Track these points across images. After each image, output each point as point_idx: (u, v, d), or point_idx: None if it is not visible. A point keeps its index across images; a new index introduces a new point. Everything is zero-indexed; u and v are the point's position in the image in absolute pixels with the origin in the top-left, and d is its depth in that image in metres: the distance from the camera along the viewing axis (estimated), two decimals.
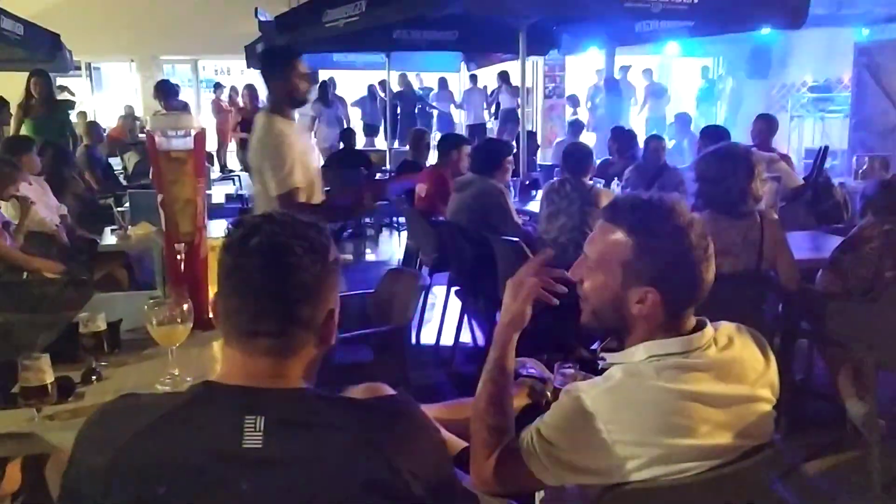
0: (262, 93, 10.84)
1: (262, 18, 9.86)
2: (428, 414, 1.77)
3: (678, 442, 1.34)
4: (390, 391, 1.66)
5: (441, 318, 4.88)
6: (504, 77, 10.93)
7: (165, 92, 7.19)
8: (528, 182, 6.11)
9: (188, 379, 2.04)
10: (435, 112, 11.83)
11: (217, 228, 5.18)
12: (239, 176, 9.76)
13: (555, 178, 4.52)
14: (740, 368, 1.43)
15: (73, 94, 8.23)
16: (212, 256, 2.65)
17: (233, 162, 13.74)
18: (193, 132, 2.42)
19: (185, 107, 7.45)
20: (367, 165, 8.27)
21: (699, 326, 1.47)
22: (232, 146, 13.76)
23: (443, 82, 11.95)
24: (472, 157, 4.80)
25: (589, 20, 6.08)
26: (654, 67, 13.69)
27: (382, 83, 11.84)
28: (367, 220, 8.69)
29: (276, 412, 1.10)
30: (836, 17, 9.37)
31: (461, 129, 12.05)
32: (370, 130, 11.30)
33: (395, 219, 8.47)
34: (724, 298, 2.83)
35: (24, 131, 7.32)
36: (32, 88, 6.82)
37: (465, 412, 1.67)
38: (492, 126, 11.93)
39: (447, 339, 4.74)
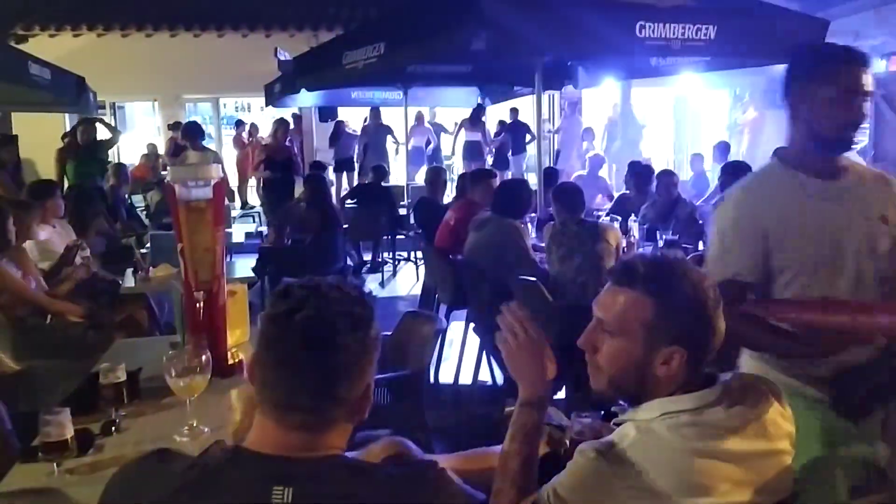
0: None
1: (282, 58, 10.07)
2: (449, 467, 1.77)
3: (696, 501, 1.33)
4: (412, 447, 1.66)
5: (459, 357, 4.87)
6: (475, 113, 11.03)
7: (193, 134, 7.31)
8: (545, 217, 6.10)
9: (206, 430, 2.05)
10: (400, 147, 11.86)
11: (238, 268, 5.28)
12: (259, 213, 9.89)
13: (553, 221, 4.50)
14: (758, 423, 1.41)
15: (115, 129, 8.42)
16: (230, 303, 2.68)
17: (253, 198, 13.92)
18: (213, 182, 2.46)
19: (205, 149, 7.55)
20: (391, 203, 8.35)
21: (710, 380, 1.46)
22: (252, 182, 13.95)
23: (419, 116, 12.11)
24: (494, 196, 4.82)
25: (607, 55, 6.12)
26: (670, 98, 13.77)
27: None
28: (387, 253, 8.75)
29: (304, 483, 1.09)
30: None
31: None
32: (342, 166, 11.50)
33: (413, 253, 8.50)
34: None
35: (68, 172, 7.52)
36: (80, 136, 7.03)
37: (485, 462, 1.66)
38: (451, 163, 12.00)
39: (466, 378, 4.72)
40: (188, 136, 7.23)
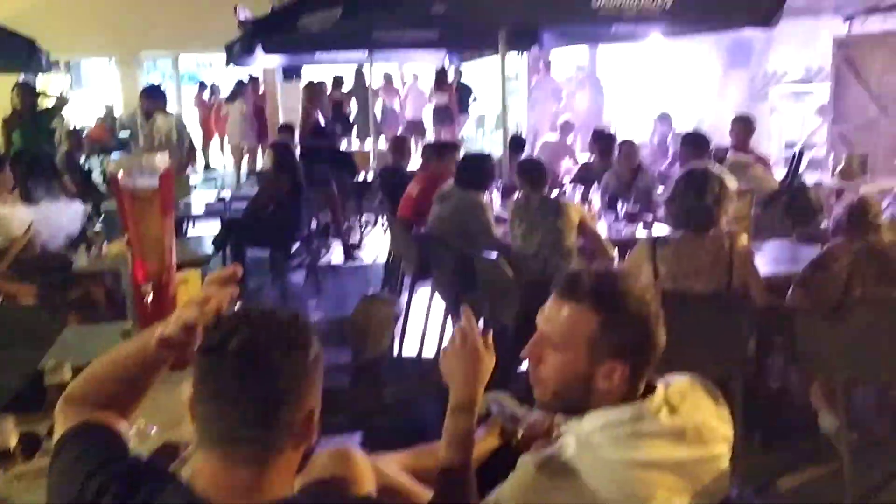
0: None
1: (242, 17, 9.79)
2: (400, 465, 1.77)
3: None
4: (357, 452, 1.64)
5: (423, 329, 4.88)
6: (438, 76, 10.94)
7: (156, 98, 7.04)
8: (510, 185, 6.08)
9: (153, 428, 2.02)
10: (378, 106, 11.76)
11: (201, 241, 5.19)
12: (223, 177, 9.74)
13: (517, 195, 4.50)
14: (695, 430, 1.43)
15: (62, 98, 8.13)
16: (182, 291, 2.63)
17: (216, 160, 13.69)
18: (159, 171, 2.39)
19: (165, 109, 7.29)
20: (351, 170, 8.25)
21: (649, 389, 1.47)
22: (216, 142, 13.71)
23: (388, 77, 12.01)
24: (457, 168, 4.78)
25: (561, 24, 6.05)
26: (637, 56, 13.67)
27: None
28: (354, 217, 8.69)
29: None
30: (814, 10, 9.38)
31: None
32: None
33: (379, 217, 8.45)
34: (697, 319, 2.90)
35: (14, 143, 7.27)
36: (15, 101, 6.75)
37: (433, 458, 1.67)
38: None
39: (430, 350, 4.74)
40: (151, 100, 7.00)
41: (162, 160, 2.45)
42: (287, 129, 9.20)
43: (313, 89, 9.14)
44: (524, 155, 7.42)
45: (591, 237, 4.18)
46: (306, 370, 1.16)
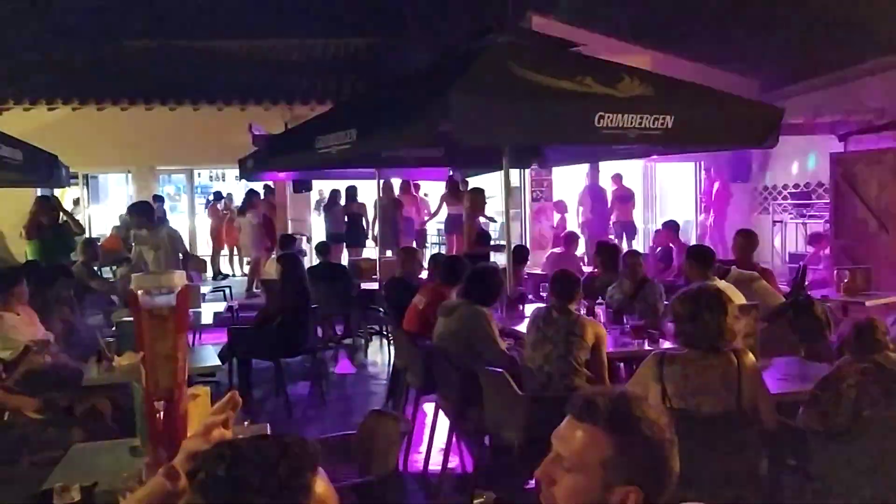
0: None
1: (257, 132, 10.20)
2: None
3: None
4: None
5: (429, 443, 4.82)
6: (452, 187, 11.27)
7: (140, 214, 7.26)
8: (515, 297, 6.15)
9: None
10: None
11: (206, 353, 5.22)
12: (229, 287, 9.84)
13: (542, 305, 4.56)
14: None
15: (80, 228, 8.39)
16: (192, 407, 2.65)
17: (226, 267, 13.88)
18: (177, 289, 2.46)
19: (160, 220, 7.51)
20: (342, 278, 8.39)
21: None
22: (225, 251, 13.96)
23: (406, 186, 12.41)
24: (464, 282, 4.85)
25: (565, 144, 6.30)
26: (636, 170, 14.06)
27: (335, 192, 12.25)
28: (359, 329, 8.73)
29: None
30: (809, 128, 9.73)
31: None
32: (334, 239, 11.56)
33: (385, 327, 8.49)
34: (707, 440, 2.88)
35: (30, 251, 7.44)
36: (39, 216, 6.97)
37: None
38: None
39: (435, 464, 4.66)
40: (136, 216, 7.22)
41: (180, 278, 2.53)
42: (290, 240, 9.41)
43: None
44: (525, 267, 7.57)
45: (596, 363, 4.18)
46: (290, 498, 1.14)
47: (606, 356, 4.26)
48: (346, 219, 11.83)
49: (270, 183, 12.53)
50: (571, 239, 8.75)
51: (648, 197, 14.14)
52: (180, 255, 7.32)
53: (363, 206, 11.96)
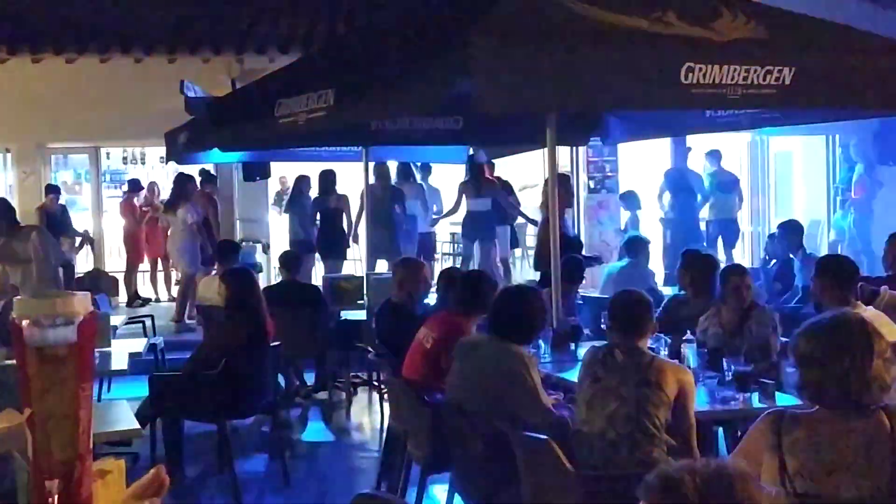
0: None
1: (191, 94, 10.28)
2: None
3: None
4: None
5: None
6: (475, 170, 11.30)
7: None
8: (565, 331, 6.16)
9: None
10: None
11: (120, 411, 5.25)
12: (151, 317, 9.89)
13: (599, 344, 4.57)
14: None
15: None
16: (99, 487, 2.66)
17: (146, 287, 13.96)
18: (79, 319, 2.48)
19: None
20: (314, 303, 8.43)
21: None
22: (145, 266, 14.01)
23: (406, 171, 12.34)
24: (490, 309, 4.87)
25: (637, 111, 6.31)
26: (741, 148, 14.06)
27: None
28: (338, 377, 8.76)
29: None
30: None
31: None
32: (303, 247, 11.56)
33: (375, 374, 8.50)
34: None
35: None
36: None
37: None
38: None
39: None
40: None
41: (83, 303, 2.55)
42: (230, 247, 9.47)
43: None
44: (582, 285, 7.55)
45: (681, 425, 4.18)
46: None
47: (696, 416, 4.24)
48: (317, 218, 11.89)
49: (211, 167, 12.60)
50: (639, 247, 8.76)
51: (758, 186, 14.14)
52: (60, 269, 7.39)
53: (344, 199, 11.95)
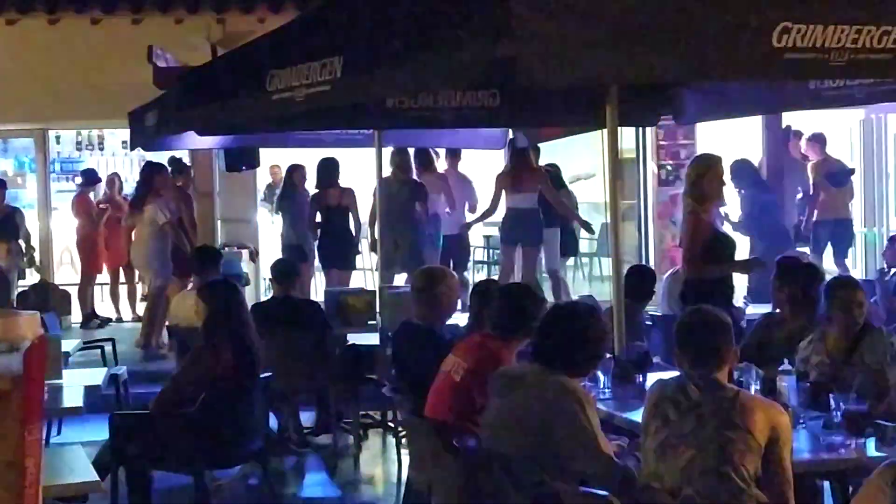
0: None
1: (162, 63, 10.36)
2: None
3: None
4: None
5: None
6: (514, 155, 11.26)
7: None
8: (630, 360, 6.15)
9: None
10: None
11: (73, 458, 5.28)
12: (112, 340, 9.94)
13: (668, 377, 4.57)
14: None
15: None
16: None
17: (105, 304, 14.02)
18: (25, 344, 2.51)
19: None
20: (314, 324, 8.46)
21: None
22: (104, 277, 14.07)
23: (426, 159, 12.19)
24: (535, 331, 4.88)
25: (717, 84, 6.31)
26: (853, 129, 13.98)
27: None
28: (345, 417, 8.75)
29: None
30: None
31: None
32: (297, 254, 11.54)
33: (391, 413, 8.52)
34: None
35: None
36: None
37: None
38: None
39: None
40: None
41: (30, 324, 2.58)
42: (211, 254, 9.49)
43: None
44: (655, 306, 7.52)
45: (775, 477, 4.17)
46: None
47: (794, 467, 4.23)
48: (317, 218, 11.88)
49: (185, 155, 12.66)
50: (716, 250, 8.72)
51: (873, 177, 14.04)
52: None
53: (349, 194, 11.92)
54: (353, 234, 12.02)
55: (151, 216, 11.60)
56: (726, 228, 10.86)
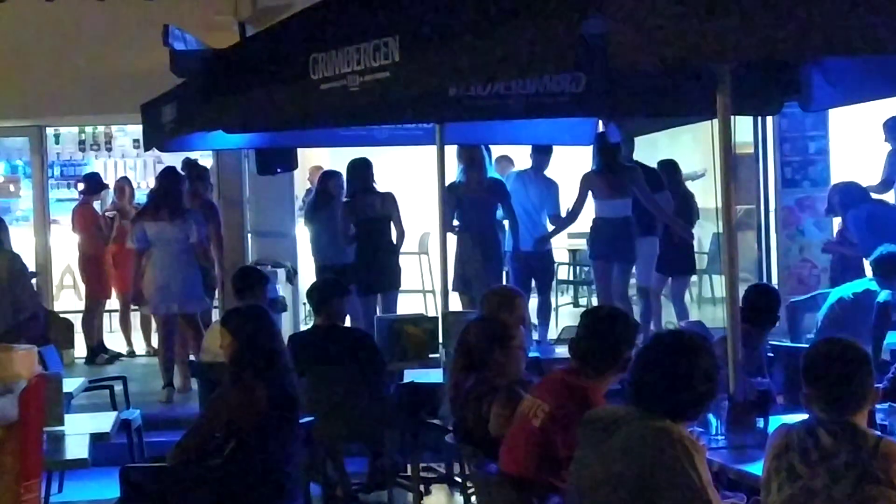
0: None
1: (179, 46, 10.47)
2: None
3: None
4: None
5: None
6: (604, 152, 11.21)
7: None
8: (747, 399, 6.13)
9: None
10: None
11: None
12: (123, 379, 10.05)
13: (796, 423, 4.56)
14: None
15: None
16: None
17: (115, 336, 14.14)
18: (21, 385, 2.56)
19: None
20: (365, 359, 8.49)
21: None
22: (113, 302, 14.21)
23: (473, 155, 12.19)
24: (631, 367, 4.87)
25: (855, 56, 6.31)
26: None
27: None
28: (402, 470, 8.78)
29: None
30: None
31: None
32: (335, 272, 11.55)
33: (458, 465, 8.55)
34: None
35: None
36: None
37: None
38: None
39: None
40: None
41: (26, 361, 2.63)
42: (254, 275, 9.59)
43: None
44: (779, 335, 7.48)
45: None
46: None
47: None
48: (352, 231, 11.92)
49: (205, 158, 12.74)
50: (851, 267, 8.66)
51: None
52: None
53: (390, 200, 12.05)
54: (397, 250, 12.10)
55: (183, 232, 11.60)
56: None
